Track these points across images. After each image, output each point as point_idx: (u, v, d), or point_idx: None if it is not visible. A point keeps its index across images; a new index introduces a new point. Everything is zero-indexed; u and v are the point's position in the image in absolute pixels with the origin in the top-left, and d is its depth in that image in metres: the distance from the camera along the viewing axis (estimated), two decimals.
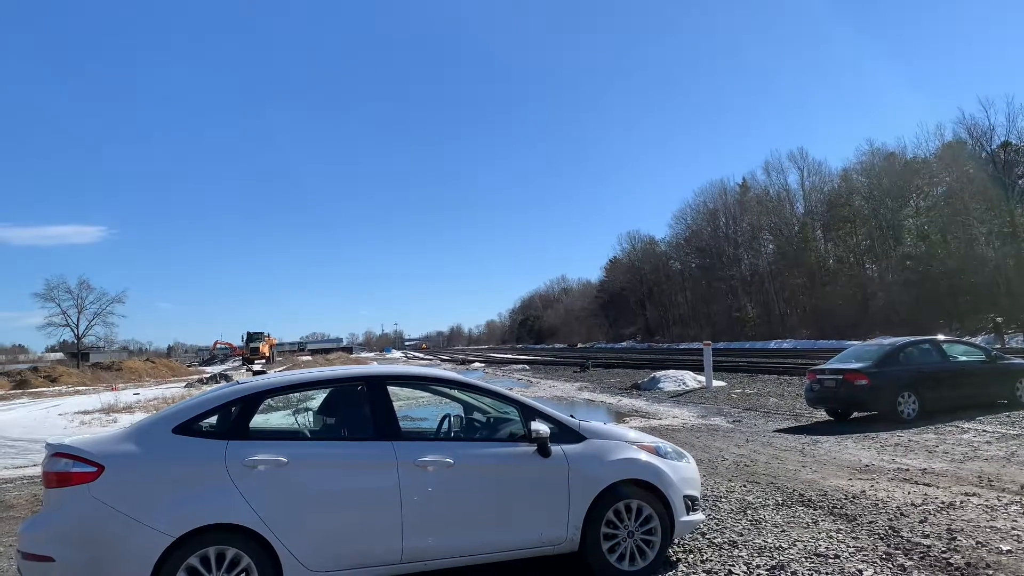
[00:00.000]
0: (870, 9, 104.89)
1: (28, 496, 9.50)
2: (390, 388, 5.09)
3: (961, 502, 6.78)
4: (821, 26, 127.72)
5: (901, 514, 6.42)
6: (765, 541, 5.80)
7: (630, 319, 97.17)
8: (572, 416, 5.49)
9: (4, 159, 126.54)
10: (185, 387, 34.82)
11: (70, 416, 20.19)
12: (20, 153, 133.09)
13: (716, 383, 22.03)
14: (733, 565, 5.25)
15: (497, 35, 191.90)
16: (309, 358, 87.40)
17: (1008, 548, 5.31)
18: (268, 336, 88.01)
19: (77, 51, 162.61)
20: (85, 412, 21.16)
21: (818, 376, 13.79)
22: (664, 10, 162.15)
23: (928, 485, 7.64)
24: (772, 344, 54.58)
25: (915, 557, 5.22)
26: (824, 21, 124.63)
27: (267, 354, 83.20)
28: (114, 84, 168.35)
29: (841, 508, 6.75)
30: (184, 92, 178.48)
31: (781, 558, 5.34)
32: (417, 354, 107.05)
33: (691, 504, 5.40)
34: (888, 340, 15.25)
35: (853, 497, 7.16)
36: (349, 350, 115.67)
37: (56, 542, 4.14)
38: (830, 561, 5.22)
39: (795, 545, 5.65)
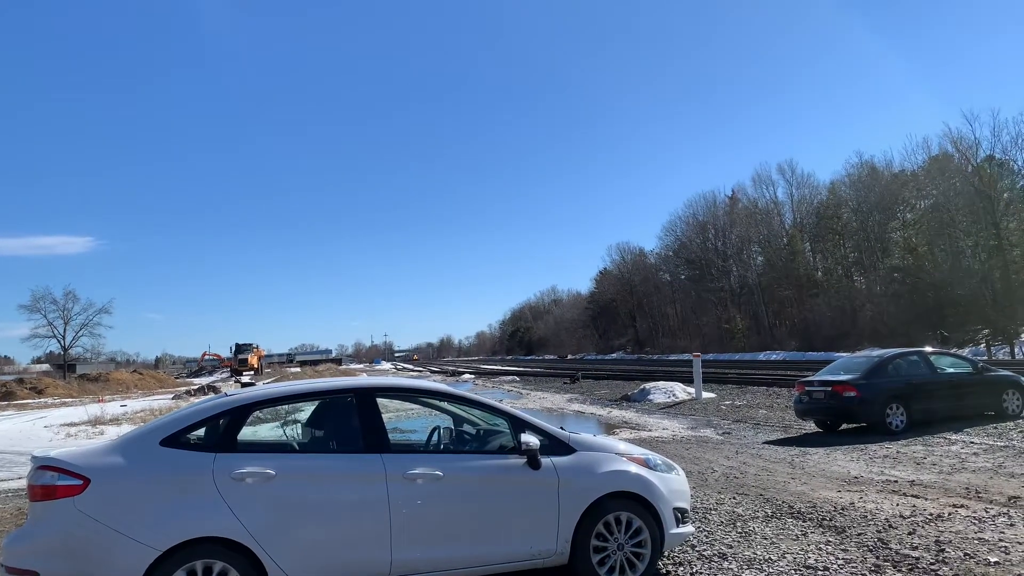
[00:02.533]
0: (857, 23, 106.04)
1: (13, 509, 9.39)
2: (379, 400, 5.08)
3: (949, 514, 6.80)
4: (811, 39, 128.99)
5: (890, 526, 6.44)
6: (755, 553, 5.80)
7: (620, 330, 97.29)
8: (562, 428, 5.49)
9: None
10: (173, 399, 34.58)
11: (56, 428, 20.03)
12: (6, 163, 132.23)
13: (706, 395, 22.06)
14: None
15: (488, 50, 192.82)
16: (298, 370, 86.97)
17: (996, 559, 5.33)
18: (257, 347, 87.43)
19: (64, 63, 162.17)
20: (71, 424, 20.99)
21: (807, 388, 13.84)
22: (653, 25, 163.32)
23: (916, 497, 7.67)
24: (761, 356, 54.72)
25: (904, 569, 5.23)
26: (813, 34, 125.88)
27: (255, 366, 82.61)
28: (102, 95, 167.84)
29: (830, 520, 6.76)
30: (172, 102, 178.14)
31: (771, 570, 5.34)
32: (407, 365, 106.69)
33: (681, 516, 5.40)
34: (876, 352, 15.34)
35: (842, 509, 7.18)
36: (338, 361, 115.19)
37: (41, 556, 4.11)
38: (819, 573, 5.22)
39: (784, 557, 5.65)
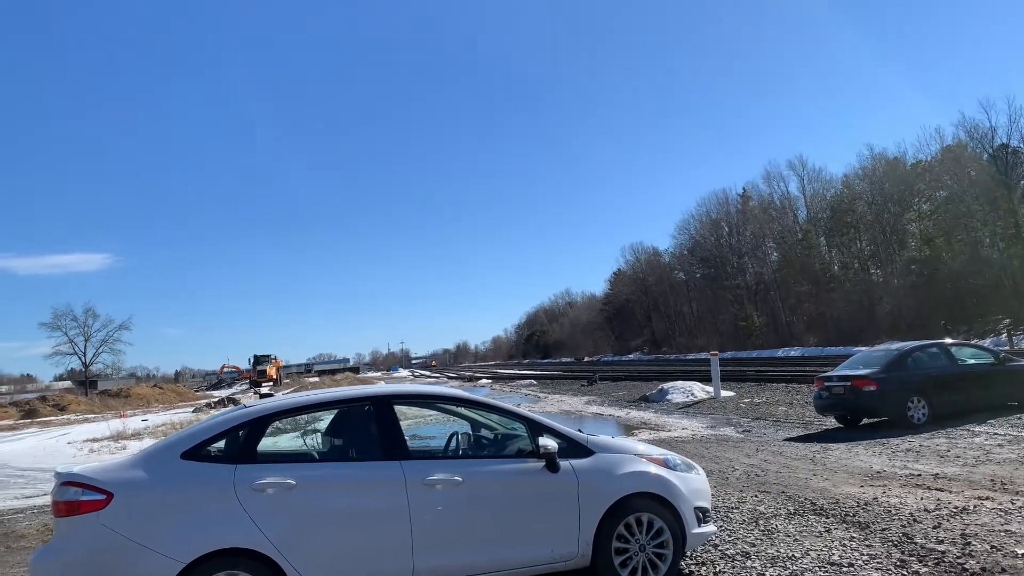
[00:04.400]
0: (869, 13, 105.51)
1: (39, 526, 9.49)
2: (397, 407, 5.10)
3: (975, 506, 6.73)
4: (819, 32, 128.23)
5: (914, 520, 6.38)
6: (778, 551, 5.77)
7: (636, 331, 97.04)
8: (580, 430, 5.48)
9: (7, 189, 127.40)
10: (193, 412, 34.84)
11: (79, 444, 20.24)
12: (23, 183, 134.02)
13: (724, 393, 21.96)
14: None
15: (497, 51, 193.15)
16: (316, 379, 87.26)
17: (1023, 551, 5.26)
18: (275, 358, 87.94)
19: (80, 82, 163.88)
20: (94, 440, 21.20)
21: (826, 383, 13.74)
22: (661, 22, 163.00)
23: (941, 490, 7.59)
24: (779, 352, 54.50)
25: (930, 563, 5.18)
26: (823, 27, 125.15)
27: (274, 376, 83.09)
28: (116, 113, 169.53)
29: (854, 516, 6.71)
30: (185, 119, 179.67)
31: (794, 568, 5.30)
32: (424, 372, 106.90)
33: (702, 516, 5.37)
34: (896, 345, 15.21)
35: (865, 504, 7.12)
36: (356, 370, 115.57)
37: (67, 571, 4.15)
38: (844, 570, 5.18)
39: (808, 554, 5.61)
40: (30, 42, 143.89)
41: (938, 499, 7.14)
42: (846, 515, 6.76)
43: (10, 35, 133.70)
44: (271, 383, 77.38)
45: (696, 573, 5.41)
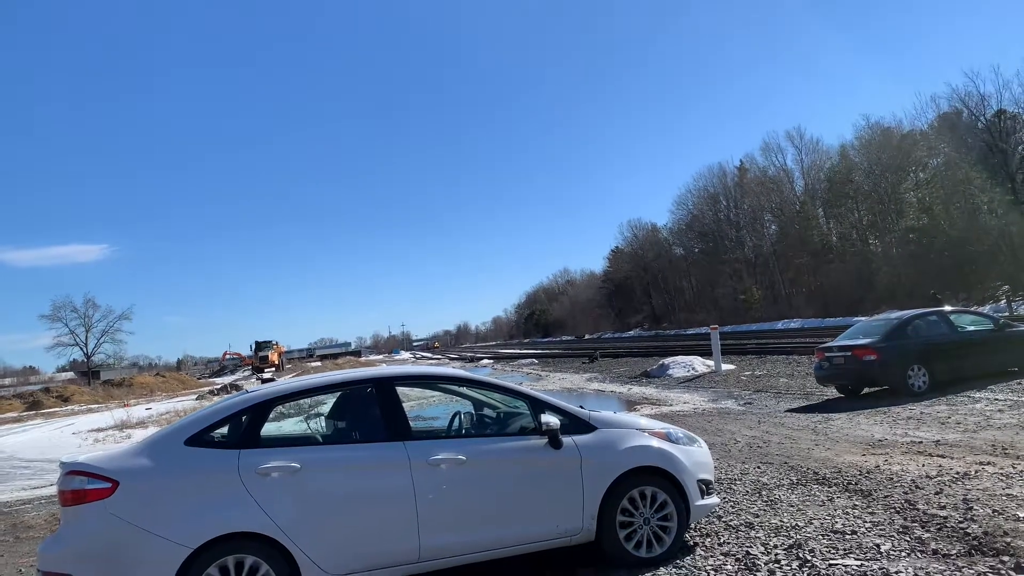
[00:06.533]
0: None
1: (46, 516, 9.55)
2: (399, 389, 5.11)
3: (976, 472, 6.77)
4: (811, 9, 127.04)
5: (916, 487, 6.41)
6: (781, 521, 5.80)
7: (636, 307, 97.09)
8: (582, 407, 5.49)
9: (3, 182, 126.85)
10: (196, 399, 34.94)
11: (84, 434, 20.32)
12: (19, 175, 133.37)
13: (725, 366, 22.01)
14: (751, 546, 5.26)
15: (493, 28, 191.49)
16: (318, 364, 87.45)
17: None
18: (276, 344, 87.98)
19: (77, 69, 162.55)
20: (98, 430, 21.29)
21: (827, 354, 13.77)
22: (646, 14, 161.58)
23: (942, 456, 7.64)
24: (779, 324, 54.49)
25: (932, 529, 5.21)
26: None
27: (276, 362, 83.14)
28: (114, 101, 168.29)
29: (856, 484, 6.75)
30: (184, 107, 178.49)
31: (798, 537, 5.33)
32: (425, 354, 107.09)
33: (705, 488, 5.40)
34: (895, 314, 15.23)
35: (867, 472, 7.16)
36: (358, 353, 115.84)
37: (75, 560, 4.17)
38: (847, 537, 5.21)
39: (812, 523, 5.65)
40: (30, 35, 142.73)
41: (940, 465, 7.18)
42: (848, 484, 6.80)
43: (10, 28, 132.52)
44: (273, 369, 77.43)
45: (701, 544, 5.45)
